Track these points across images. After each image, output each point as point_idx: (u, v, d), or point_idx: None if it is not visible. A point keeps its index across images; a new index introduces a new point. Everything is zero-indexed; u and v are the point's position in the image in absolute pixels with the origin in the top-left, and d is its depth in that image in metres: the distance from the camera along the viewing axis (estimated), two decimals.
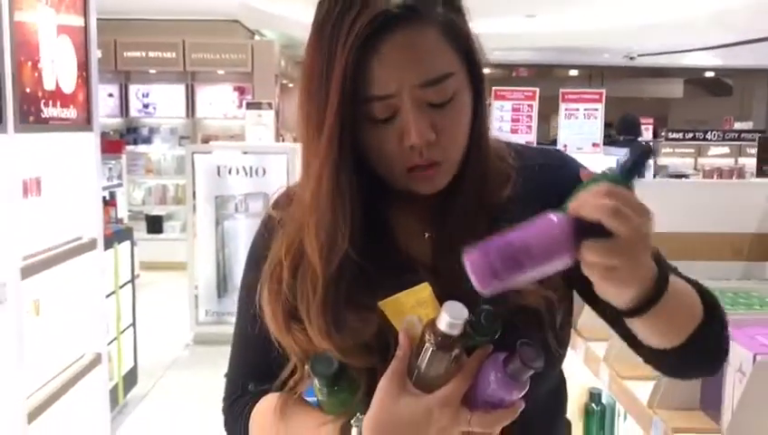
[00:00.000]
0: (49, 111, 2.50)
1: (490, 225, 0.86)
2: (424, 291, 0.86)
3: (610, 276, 0.75)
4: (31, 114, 2.38)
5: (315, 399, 0.93)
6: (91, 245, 2.90)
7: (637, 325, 0.86)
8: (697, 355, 0.92)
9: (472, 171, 0.94)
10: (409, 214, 0.98)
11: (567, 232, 0.73)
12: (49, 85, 2.50)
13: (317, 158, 0.88)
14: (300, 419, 0.94)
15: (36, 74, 2.41)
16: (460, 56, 0.89)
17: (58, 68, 2.58)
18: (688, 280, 0.93)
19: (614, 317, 0.87)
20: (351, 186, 0.89)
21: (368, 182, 0.92)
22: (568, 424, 1.14)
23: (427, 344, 0.82)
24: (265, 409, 0.98)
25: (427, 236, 0.98)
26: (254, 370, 1.02)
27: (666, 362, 0.93)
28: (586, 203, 0.73)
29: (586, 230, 0.72)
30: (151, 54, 9.11)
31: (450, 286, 0.84)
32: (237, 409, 1.03)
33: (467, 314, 0.80)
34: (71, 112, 2.68)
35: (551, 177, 0.98)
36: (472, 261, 0.75)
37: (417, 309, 0.86)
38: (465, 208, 0.94)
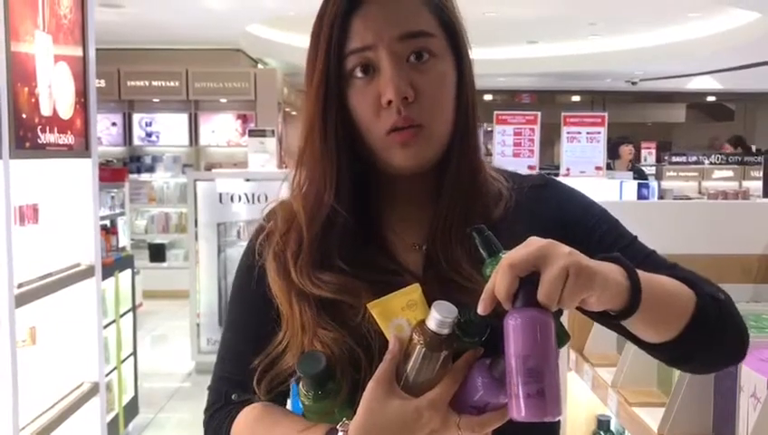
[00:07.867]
0: (46, 137, 2.48)
1: None
2: (414, 292, 0.86)
3: (584, 306, 0.79)
4: (27, 140, 2.35)
5: (300, 405, 0.91)
6: (88, 272, 2.86)
7: (629, 325, 0.87)
8: (698, 341, 0.90)
9: (461, 159, 0.96)
10: (406, 225, 0.99)
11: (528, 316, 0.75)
12: (45, 111, 2.48)
13: (308, 113, 0.94)
14: (283, 426, 0.92)
15: (33, 100, 2.40)
16: (441, 26, 0.94)
17: (55, 93, 2.56)
18: (683, 277, 0.92)
19: (606, 322, 0.88)
20: (338, 141, 0.93)
21: (365, 183, 0.97)
22: None
23: (416, 345, 0.81)
24: (248, 418, 0.96)
25: (418, 247, 0.98)
26: (238, 379, 1.00)
27: (668, 354, 0.92)
28: (505, 276, 0.75)
29: (529, 292, 0.75)
30: (155, 83, 9.16)
31: (437, 297, 0.83)
32: (217, 420, 1.00)
33: (457, 313, 0.80)
34: (68, 138, 2.66)
35: (536, 199, 1.02)
36: (527, 416, 0.75)
37: (406, 312, 0.85)
38: (456, 220, 0.95)
